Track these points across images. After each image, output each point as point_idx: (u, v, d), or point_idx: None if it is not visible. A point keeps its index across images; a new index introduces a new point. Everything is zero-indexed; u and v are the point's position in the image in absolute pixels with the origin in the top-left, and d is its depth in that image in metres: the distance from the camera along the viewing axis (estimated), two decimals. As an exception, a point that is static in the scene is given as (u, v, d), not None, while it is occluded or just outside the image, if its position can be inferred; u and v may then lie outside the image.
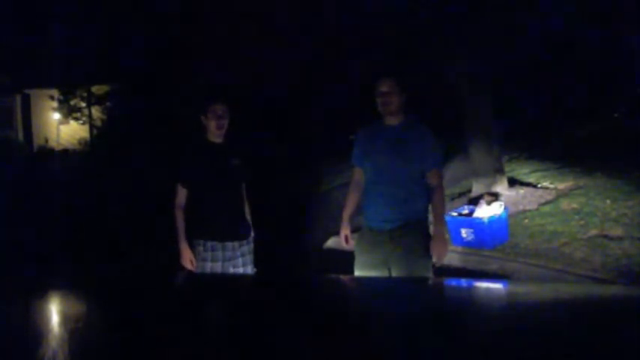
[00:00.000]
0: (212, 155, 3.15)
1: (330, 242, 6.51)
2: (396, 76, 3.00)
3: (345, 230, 3.13)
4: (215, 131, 3.13)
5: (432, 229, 3.08)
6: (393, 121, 3.02)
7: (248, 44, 11.65)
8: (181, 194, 3.14)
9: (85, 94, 21.98)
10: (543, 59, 10.16)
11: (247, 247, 3.24)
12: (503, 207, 5.67)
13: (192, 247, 3.14)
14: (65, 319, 1.15)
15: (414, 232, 2.98)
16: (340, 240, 3.17)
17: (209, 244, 3.09)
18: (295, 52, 11.26)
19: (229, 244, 3.12)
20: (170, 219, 3.18)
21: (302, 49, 11.08)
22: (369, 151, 3.06)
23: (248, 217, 3.30)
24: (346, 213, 3.18)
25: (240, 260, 3.17)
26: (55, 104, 22.85)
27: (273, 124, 12.16)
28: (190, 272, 3.02)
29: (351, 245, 3.14)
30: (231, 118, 3.20)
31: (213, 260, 3.08)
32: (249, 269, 3.21)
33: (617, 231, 5.28)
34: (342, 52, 10.80)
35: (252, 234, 3.30)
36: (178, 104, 11.89)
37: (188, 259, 3.09)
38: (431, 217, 3.15)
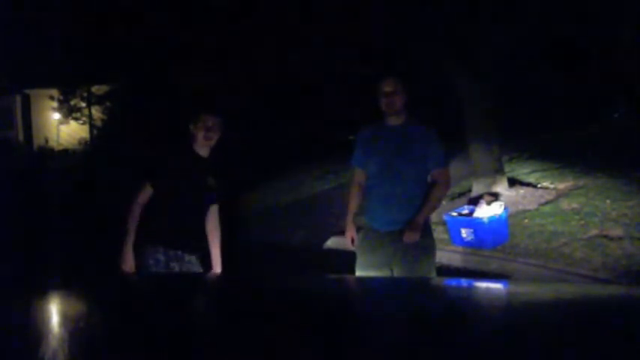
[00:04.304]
0: (192, 167, 2.96)
1: (330, 242, 6.51)
2: (399, 76, 3.01)
3: (351, 232, 3.12)
4: (202, 142, 2.94)
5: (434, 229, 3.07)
6: (395, 121, 3.01)
7: (247, 44, 11.67)
8: (146, 193, 2.94)
9: (85, 94, 22.03)
10: (543, 59, 10.16)
11: (196, 263, 3.06)
12: (503, 207, 5.67)
13: (146, 253, 2.95)
14: (65, 319, 1.15)
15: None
16: (346, 242, 3.16)
17: (172, 252, 2.94)
18: (297, 53, 11.29)
19: (186, 257, 2.99)
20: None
21: (304, 51, 11.10)
22: (372, 152, 3.05)
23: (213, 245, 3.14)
24: (350, 215, 3.17)
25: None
26: (55, 104, 22.91)
27: (272, 123, 12.17)
28: (191, 273, 3.01)
29: (356, 246, 3.14)
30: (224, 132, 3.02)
31: (170, 270, 2.93)
32: None
33: (617, 231, 5.28)
34: (341, 54, 10.82)
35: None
36: (178, 104, 11.90)
37: (129, 264, 2.87)
38: (432, 217, 3.15)
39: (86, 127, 22.42)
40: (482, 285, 1.78)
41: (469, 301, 1.33)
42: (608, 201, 6.04)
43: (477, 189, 6.93)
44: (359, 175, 3.17)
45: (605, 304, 1.20)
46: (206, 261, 3.15)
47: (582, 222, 5.63)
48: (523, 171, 7.95)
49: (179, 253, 2.96)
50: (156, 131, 12.81)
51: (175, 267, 2.95)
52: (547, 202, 6.40)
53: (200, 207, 3.09)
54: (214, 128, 2.95)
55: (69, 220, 7.95)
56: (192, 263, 3.03)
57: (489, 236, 5.41)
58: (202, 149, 2.98)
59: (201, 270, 3.09)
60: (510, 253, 5.31)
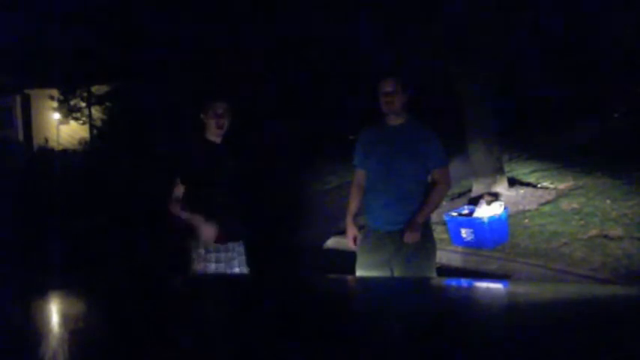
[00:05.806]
0: (210, 155, 3.09)
1: (330, 242, 6.50)
2: (398, 76, 3.01)
3: (353, 232, 3.12)
4: (215, 130, 3.07)
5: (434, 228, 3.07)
6: (395, 121, 3.01)
7: (248, 43, 11.66)
8: (178, 190, 3.04)
9: (85, 94, 22.04)
10: (544, 59, 10.16)
11: (242, 247, 3.20)
12: (503, 207, 5.67)
13: (190, 248, 3.06)
14: (65, 320, 1.15)
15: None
16: (348, 242, 3.17)
17: (211, 245, 3.04)
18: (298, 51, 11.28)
19: (230, 245, 3.10)
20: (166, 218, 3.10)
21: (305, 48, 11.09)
22: (372, 152, 3.05)
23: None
24: (350, 215, 3.17)
25: (236, 261, 3.14)
26: (55, 104, 22.91)
27: (272, 123, 12.16)
28: (190, 273, 3.01)
29: (356, 246, 3.14)
30: (234, 117, 3.13)
31: (217, 261, 3.04)
32: (244, 269, 3.19)
33: (617, 231, 5.28)
34: (341, 49, 10.80)
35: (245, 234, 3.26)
36: (180, 102, 11.90)
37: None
38: (432, 217, 3.14)
39: (86, 127, 22.43)
40: (483, 285, 1.78)
41: (469, 301, 1.33)
42: (608, 201, 6.04)
43: (477, 189, 6.93)
44: (359, 176, 3.17)
45: (605, 304, 1.20)
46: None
47: (582, 222, 5.63)
48: (523, 171, 7.94)
49: (218, 245, 3.03)
50: (156, 130, 12.81)
51: (220, 259, 3.03)
52: (547, 202, 6.40)
53: (228, 194, 3.14)
54: (224, 114, 3.06)
55: (69, 220, 7.95)
56: (234, 251, 3.11)
57: (489, 236, 5.41)
58: (215, 137, 3.10)
59: (244, 257, 3.16)
60: (510, 253, 5.30)
